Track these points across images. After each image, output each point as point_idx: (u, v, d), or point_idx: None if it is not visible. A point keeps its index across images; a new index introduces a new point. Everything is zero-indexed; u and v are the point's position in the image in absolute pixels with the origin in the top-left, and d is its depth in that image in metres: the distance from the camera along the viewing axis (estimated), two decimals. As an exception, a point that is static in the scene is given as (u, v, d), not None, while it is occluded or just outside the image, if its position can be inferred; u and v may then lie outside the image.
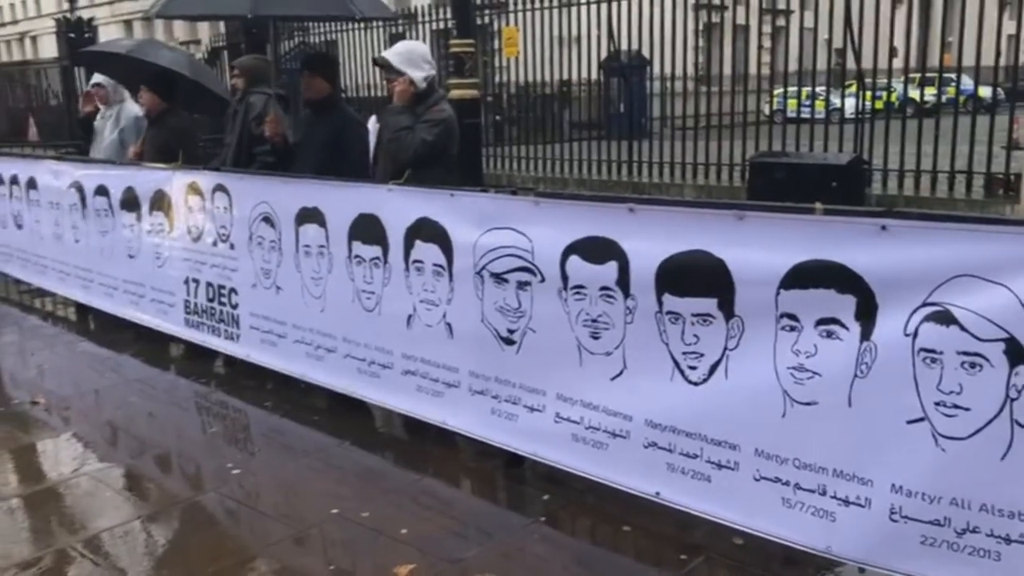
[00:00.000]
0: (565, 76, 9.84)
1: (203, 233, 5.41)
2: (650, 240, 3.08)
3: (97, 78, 6.88)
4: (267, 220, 4.86)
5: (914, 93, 14.82)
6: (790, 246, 2.74)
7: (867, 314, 2.61)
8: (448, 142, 4.67)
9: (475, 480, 3.92)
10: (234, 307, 5.23)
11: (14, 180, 7.58)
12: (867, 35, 7.81)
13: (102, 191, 6.33)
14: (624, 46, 9.86)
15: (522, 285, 3.54)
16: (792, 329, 2.78)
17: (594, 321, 3.31)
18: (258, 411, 4.80)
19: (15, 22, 63.62)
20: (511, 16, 10.62)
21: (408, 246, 4.02)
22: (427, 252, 3.93)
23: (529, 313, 3.55)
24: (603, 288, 3.25)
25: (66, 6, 16.51)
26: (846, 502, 2.68)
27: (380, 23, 11.60)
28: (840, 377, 2.67)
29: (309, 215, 4.56)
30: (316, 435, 4.39)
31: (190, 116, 6.33)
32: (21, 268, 7.72)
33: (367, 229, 4.24)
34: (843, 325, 2.66)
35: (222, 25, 15.43)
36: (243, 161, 5.49)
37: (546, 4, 9.64)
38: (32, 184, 7.29)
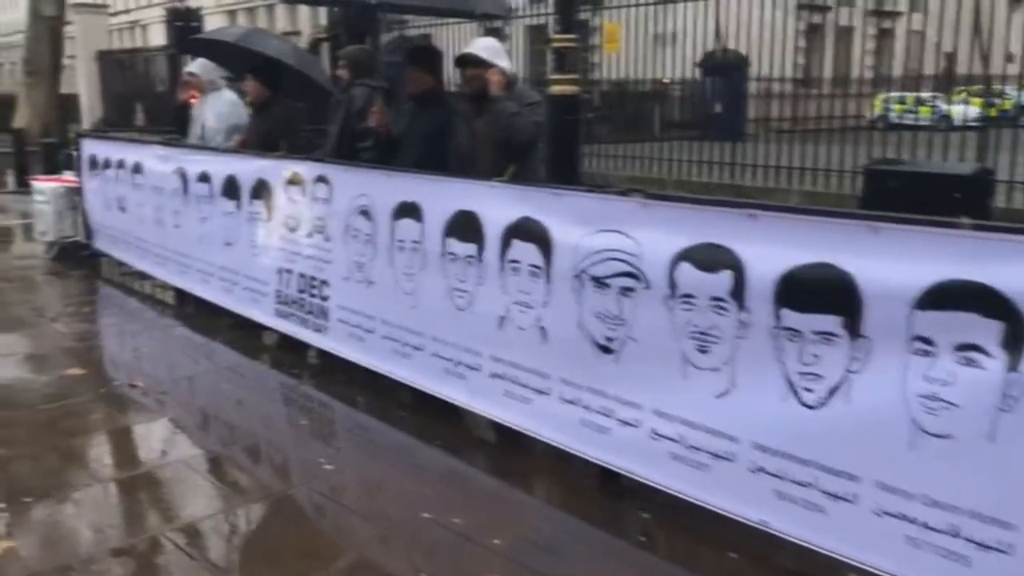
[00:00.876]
0: (660, 74, 9.53)
1: (299, 223, 5.40)
2: (771, 249, 2.87)
3: (191, 67, 6.98)
4: (364, 213, 4.80)
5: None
6: (929, 263, 2.51)
7: (1016, 342, 2.36)
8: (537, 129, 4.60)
9: (568, 493, 3.77)
10: (324, 299, 5.20)
11: (120, 164, 7.76)
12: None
13: (204, 178, 6.40)
14: (722, 45, 9.53)
15: (625, 291, 3.38)
16: (926, 354, 2.54)
17: (702, 334, 3.12)
18: (346, 406, 4.75)
19: (127, 11, 66.12)
20: (608, 13, 10.42)
21: (505, 245, 3.89)
22: (525, 252, 3.80)
23: (630, 321, 3.38)
24: (715, 299, 3.06)
25: (176, -3, 16.95)
26: (983, 546, 2.44)
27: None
28: (980, 410, 2.43)
29: (407, 209, 4.48)
30: (403, 435, 4.31)
31: (294, 105, 6.34)
32: (124, 250, 7.90)
33: (464, 226, 4.13)
34: (986, 353, 2.41)
35: (323, 17, 15.65)
36: (344, 155, 5.46)
37: (643, 0, 9.39)
38: (138, 168, 7.44)
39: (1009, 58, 7.27)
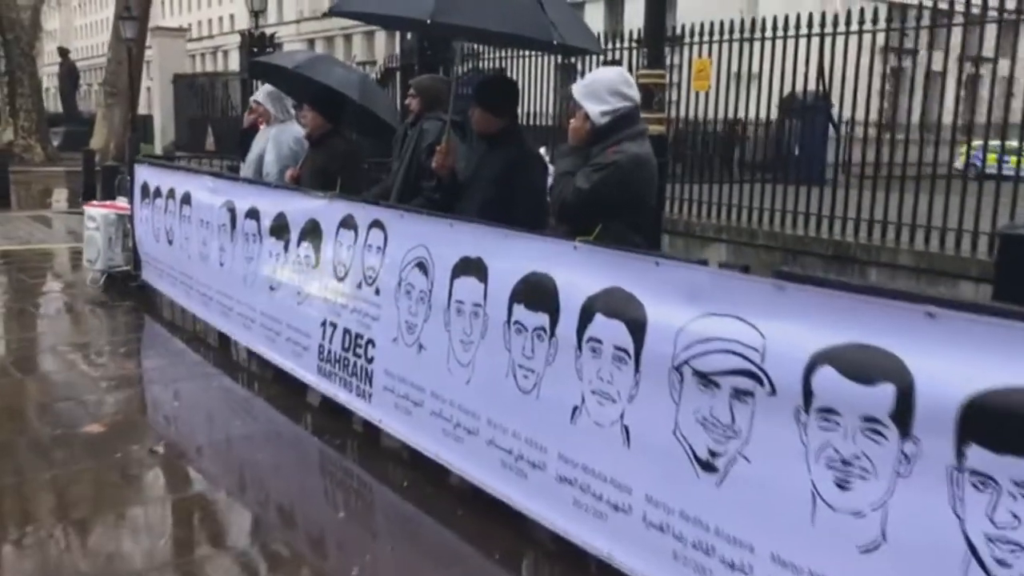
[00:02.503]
0: (738, 114, 8.80)
1: (349, 272, 4.78)
2: (956, 363, 2.10)
3: (257, 94, 6.47)
4: (421, 266, 4.14)
5: None
6: None
7: None
8: (620, 192, 3.78)
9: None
10: (369, 361, 4.54)
11: (170, 193, 7.29)
12: None
13: (253, 214, 5.85)
14: (801, 85, 8.77)
15: (740, 394, 2.63)
16: None
17: (845, 463, 2.36)
18: (391, 492, 4.07)
19: (211, 36, 67.91)
20: (688, 48, 9.74)
21: (585, 319, 3.18)
22: (609, 330, 3.08)
23: (745, 434, 2.62)
24: (869, 419, 2.29)
25: (254, 23, 16.80)
26: None
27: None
28: None
29: (469, 266, 3.81)
30: (456, 538, 3.60)
31: (354, 140, 5.75)
32: (170, 285, 7.41)
33: (535, 291, 3.44)
34: None
35: (398, 44, 15.26)
36: (408, 194, 4.82)
37: (724, 37, 8.69)
38: (187, 199, 6.95)
39: None
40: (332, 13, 4.53)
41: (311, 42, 53.69)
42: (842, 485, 2.36)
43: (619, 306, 3.05)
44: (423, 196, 4.74)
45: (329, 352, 4.91)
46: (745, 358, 2.60)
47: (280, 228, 5.53)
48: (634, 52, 9.77)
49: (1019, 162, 7.23)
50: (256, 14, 19.81)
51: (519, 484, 3.48)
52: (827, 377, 2.39)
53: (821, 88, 8.15)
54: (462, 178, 4.53)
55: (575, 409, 3.22)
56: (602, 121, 3.80)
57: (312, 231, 5.20)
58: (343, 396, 4.74)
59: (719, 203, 8.94)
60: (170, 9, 78.39)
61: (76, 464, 4.23)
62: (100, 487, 4.01)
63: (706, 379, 2.72)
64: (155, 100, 22.32)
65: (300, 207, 5.34)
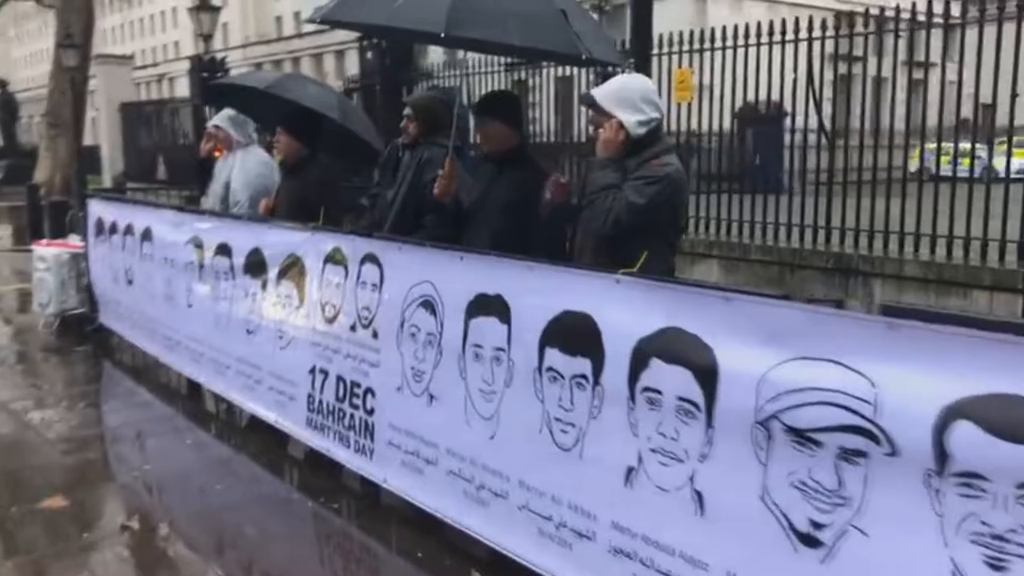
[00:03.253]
0: (696, 125, 8.57)
1: (340, 313, 4.29)
2: None
3: (216, 118, 5.94)
4: (427, 305, 3.68)
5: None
6: None
7: None
8: (669, 209, 3.42)
9: None
10: (369, 412, 4.06)
11: (128, 230, 6.73)
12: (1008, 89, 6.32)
13: (224, 250, 5.34)
14: (753, 95, 8.59)
15: (849, 455, 2.21)
16: None
17: (998, 539, 1.95)
18: (406, 564, 3.59)
19: (155, 64, 66.65)
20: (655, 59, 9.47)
21: (638, 366, 2.75)
22: (671, 379, 2.65)
23: (857, 502, 2.20)
24: (1027, 488, 1.89)
25: (202, 49, 16.16)
26: None
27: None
28: None
29: (487, 305, 3.36)
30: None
31: (333, 166, 5.26)
32: (131, 329, 6.83)
33: (572, 333, 3.00)
34: None
35: (355, 66, 14.71)
36: (406, 228, 4.34)
37: (674, 49, 8.48)
38: (147, 235, 6.40)
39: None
40: (323, 21, 4.05)
41: (258, 66, 52.78)
42: (996, 565, 1.95)
43: (681, 350, 2.62)
44: (425, 232, 4.28)
45: (320, 402, 4.41)
46: (853, 411, 2.19)
47: (256, 265, 5.03)
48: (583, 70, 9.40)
49: (972, 163, 7.09)
50: (205, 38, 19.17)
51: (563, 557, 3.02)
52: (967, 435, 1.99)
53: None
54: (466, 206, 4.08)
55: (630, 470, 2.78)
56: (639, 132, 3.39)
57: (293, 267, 4.71)
58: (341, 453, 4.24)
59: (706, 216, 8.58)
60: (112, 38, 76.88)
61: (37, 551, 3.68)
62: (69, 577, 3.47)
63: (802, 437, 2.30)
64: (101, 130, 21.49)
65: (278, 241, 4.85)
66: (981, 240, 6.53)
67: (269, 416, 4.84)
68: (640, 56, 6.98)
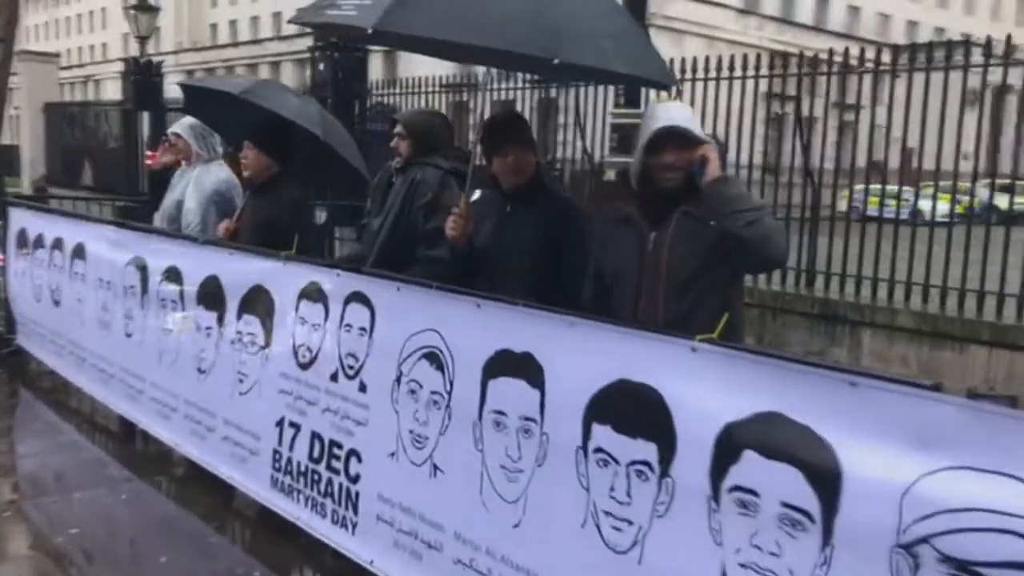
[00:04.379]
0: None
1: (317, 358, 3.69)
2: None
3: (177, 127, 5.27)
4: (432, 359, 3.11)
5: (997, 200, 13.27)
6: None
7: None
8: None
9: None
10: (353, 480, 3.46)
11: (57, 244, 5.98)
12: (935, 135, 6.55)
13: (173, 276, 4.67)
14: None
15: (1037, 602, 1.72)
16: None
17: None
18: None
19: (81, 65, 64.33)
20: (578, 91, 9.22)
21: (725, 458, 2.23)
22: (773, 479, 2.13)
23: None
24: None
25: (132, 52, 15.28)
26: None
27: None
28: None
29: (512, 364, 2.81)
30: None
31: (304, 188, 4.64)
32: (55, 355, 6.06)
33: (630, 409, 2.47)
34: None
35: (291, 78, 13.94)
36: (395, 262, 3.76)
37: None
38: (80, 252, 5.67)
39: (965, 156, 6.67)
40: (298, 22, 3.48)
41: (190, 74, 51.15)
42: None
43: (788, 444, 2.11)
44: (421, 266, 3.71)
45: (289, 461, 3.79)
46: (1042, 545, 1.71)
47: (212, 295, 4.38)
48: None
49: (898, 204, 7.05)
50: (141, 40, 18.22)
51: None
52: None
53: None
54: (478, 245, 3.51)
55: (710, 585, 2.25)
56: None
57: (258, 301, 4.09)
58: (315, 523, 3.62)
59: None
60: (36, 35, 73.98)
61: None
62: None
63: (967, 571, 1.81)
64: (23, 130, 20.21)
65: (241, 269, 4.22)
66: (977, 292, 6.24)
67: (222, 471, 4.18)
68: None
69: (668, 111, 3.00)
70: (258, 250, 4.16)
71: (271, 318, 3.99)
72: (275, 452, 3.87)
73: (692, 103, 7.50)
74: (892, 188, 7.14)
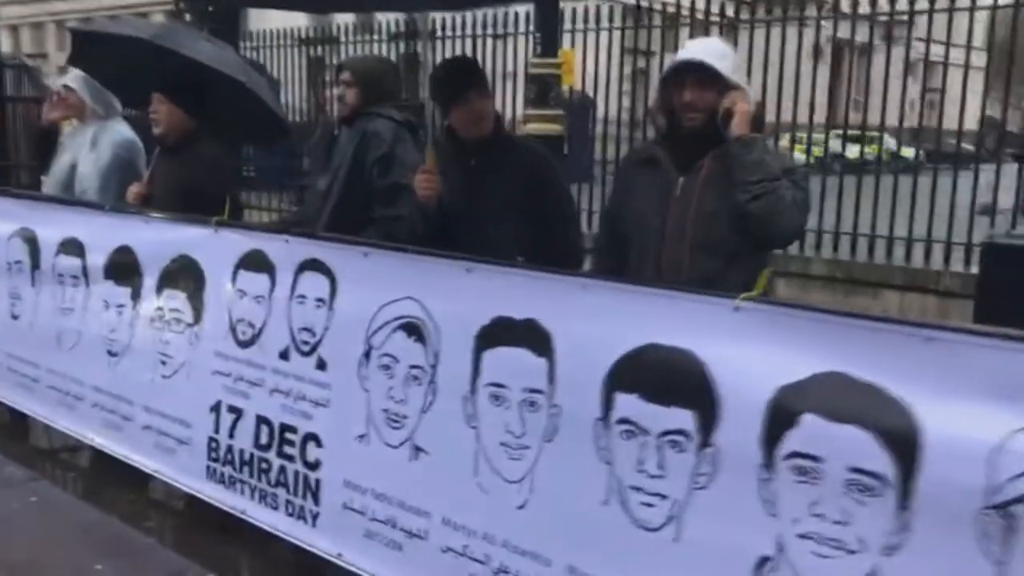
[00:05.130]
0: (504, 113, 8.38)
1: (261, 334, 3.31)
2: None
3: (69, 79, 4.68)
4: (410, 330, 2.82)
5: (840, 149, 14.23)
6: None
7: None
8: None
9: None
10: (311, 466, 3.12)
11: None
12: (787, 89, 7.11)
13: (73, 248, 4.15)
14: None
15: None
16: None
17: None
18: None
19: None
20: (444, 43, 9.25)
21: (779, 424, 2.07)
22: (838, 443, 1.98)
23: None
24: None
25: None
26: None
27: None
28: None
29: (511, 332, 2.57)
30: None
31: (225, 144, 4.19)
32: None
33: (663, 376, 2.28)
34: None
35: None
36: (349, 224, 3.43)
37: (479, 32, 8.59)
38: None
39: (812, 108, 7.30)
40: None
41: (14, 28, 46.47)
42: None
43: (855, 405, 1.97)
44: (377, 227, 3.39)
45: (229, 450, 3.40)
46: None
47: (123, 268, 3.91)
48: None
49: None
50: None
51: None
52: None
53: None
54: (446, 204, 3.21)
55: (764, 562, 2.08)
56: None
57: (183, 274, 3.66)
58: (264, 516, 3.26)
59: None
60: None
61: None
62: None
63: (1073, 529, 1.70)
64: None
65: (160, 239, 3.78)
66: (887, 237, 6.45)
67: (147, 464, 3.74)
68: (548, 26, 6.35)
69: (696, 44, 2.80)
70: (182, 217, 3.72)
71: (200, 292, 3.57)
72: (211, 440, 3.48)
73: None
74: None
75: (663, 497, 2.25)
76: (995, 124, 9.65)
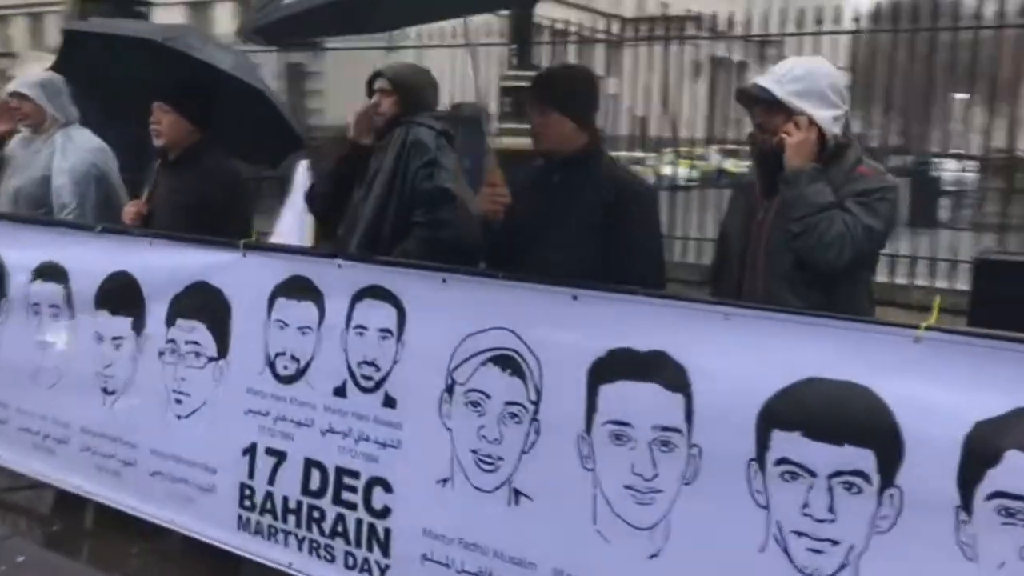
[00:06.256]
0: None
1: (308, 368, 3.00)
2: None
3: (20, 85, 4.19)
4: (505, 363, 2.59)
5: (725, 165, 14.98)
6: None
7: None
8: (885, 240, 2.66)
9: None
10: (378, 514, 2.83)
11: None
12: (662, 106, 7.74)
13: (52, 274, 3.70)
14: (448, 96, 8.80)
15: None
16: None
17: None
18: None
19: None
20: (333, 56, 9.22)
21: (980, 461, 1.95)
22: None
23: None
24: None
25: None
26: None
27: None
28: None
29: (637, 366, 2.37)
30: None
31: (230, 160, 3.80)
32: None
33: (826, 410, 2.13)
34: None
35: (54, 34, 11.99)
36: (388, 236, 3.16)
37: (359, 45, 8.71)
38: None
39: (692, 124, 8.14)
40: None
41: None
42: None
43: None
44: (418, 232, 3.14)
45: (269, 497, 3.07)
46: None
47: (121, 296, 3.51)
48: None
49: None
50: None
51: None
52: None
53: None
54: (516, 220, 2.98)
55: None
56: (835, 130, 2.61)
57: (202, 303, 3.30)
58: (317, 569, 2.94)
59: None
60: None
61: None
62: None
63: None
64: None
65: (169, 264, 3.40)
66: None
67: (158, 515, 3.34)
68: (523, 38, 6.23)
69: (780, 65, 2.70)
70: (200, 239, 3.35)
71: (225, 323, 3.23)
72: (243, 487, 3.13)
73: (438, 72, 7.53)
74: (637, 154, 7.82)
75: (834, 543, 2.10)
76: (857, 138, 10.43)
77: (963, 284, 6.24)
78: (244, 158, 3.91)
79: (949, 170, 13.36)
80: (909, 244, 7.52)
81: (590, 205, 2.90)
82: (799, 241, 2.52)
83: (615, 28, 7.58)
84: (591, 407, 2.44)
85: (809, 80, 2.62)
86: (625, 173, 3.26)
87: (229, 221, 3.48)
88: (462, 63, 7.84)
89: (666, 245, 6.57)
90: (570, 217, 2.91)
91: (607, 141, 7.12)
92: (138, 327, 3.46)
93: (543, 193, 3.00)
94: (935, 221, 10.37)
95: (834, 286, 2.56)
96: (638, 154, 9.40)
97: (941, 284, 6.83)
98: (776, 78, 2.63)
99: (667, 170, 8.90)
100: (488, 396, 2.62)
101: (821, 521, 2.12)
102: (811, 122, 2.56)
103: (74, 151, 4.05)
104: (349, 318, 2.92)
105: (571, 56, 7.96)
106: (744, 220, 2.74)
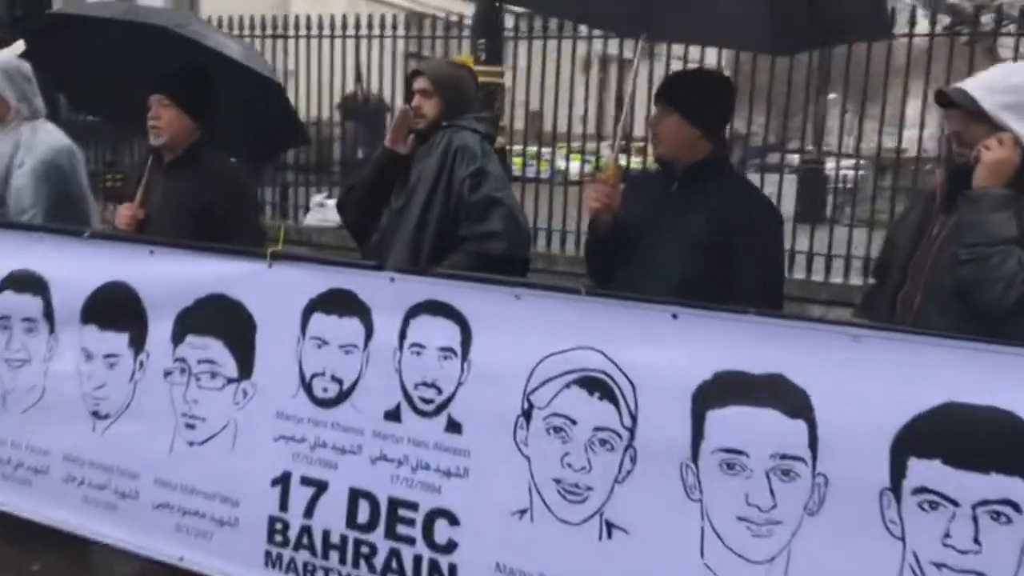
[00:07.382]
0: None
1: (354, 390, 2.75)
2: None
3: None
4: (592, 386, 2.42)
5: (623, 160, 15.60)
6: None
7: None
8: None
9: None
10: (442, 549, 2.61)
11: None
12: (562, 101, 7.58)
13: (26, 284, 3.30)
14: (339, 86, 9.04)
15: None
16: None
17: None
18: None
19: None
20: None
21: None
22: None
23: None
24: None
25: None
26: None
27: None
28: None
29: (749, 389, 2.24)
30: None
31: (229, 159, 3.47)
32: None
33: (966, 437, 2.06)
34: None
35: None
36: (429, 248, 2.93)
37: (257, 33, 8.82)
38: None
39: (583, 119, 7.99)
40: None
41: None
42: None
43: None
44: (467, 246, 2.94)
45: (306, 532, 2.80)
46: None
47: (115, 309, 3.15)
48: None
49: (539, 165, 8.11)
50: None
51: None
52: None
53: (360, 91, 8.65)
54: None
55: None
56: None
57: (219, 316, 2.99)
58: (366, 612, 2.70)
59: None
60: None
61: None
62: None
63: None
64: None
65: (176, 274, 3.07)
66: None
67: (164, 552, 3.01)
68: (492, 33, 6.03)
69: (989, 71, 2.52)
70: (211, 247, 3.03)
71: (248, 340, 2.93)
72: (273, 521, 2.85)
73: (341, 63, 7.91)
74: (532, 149, 7.83)
75: (980, 575, 2.02)
76: (740, 137, 11.08)
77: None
78: (244, 156, 3.58)
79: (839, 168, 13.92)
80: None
81: (705, 220, 2.74)
82: (964, 269, 2.34)
83: (509, 22, 7.61)
84: (697, 434, 2.30)
85: (1015, 90, 2.37)
86: (749, 189, 3.09)
87: (237, 228, 3.17)
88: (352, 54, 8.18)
89: (557, 238, 6.81)
90: (681, 230, 2.74)
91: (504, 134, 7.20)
92: (137, 344, 3.11)
93: (658, 201, 2.83)
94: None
95: (993, 327, 2.29)
96: (532, 148, 9.50)
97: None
98: (986, 85, 2.41)
99: (561, 164, 9.15)
100: (574, 421, 2.44)
101: (964, 552, 2.03)
102: (1016, 142, 2.34)
103: (36, 151, 3.63)
104: (403, 336, 2.68)
105: (465, 50, 7.88)
106: (915, 230, 2.56)
